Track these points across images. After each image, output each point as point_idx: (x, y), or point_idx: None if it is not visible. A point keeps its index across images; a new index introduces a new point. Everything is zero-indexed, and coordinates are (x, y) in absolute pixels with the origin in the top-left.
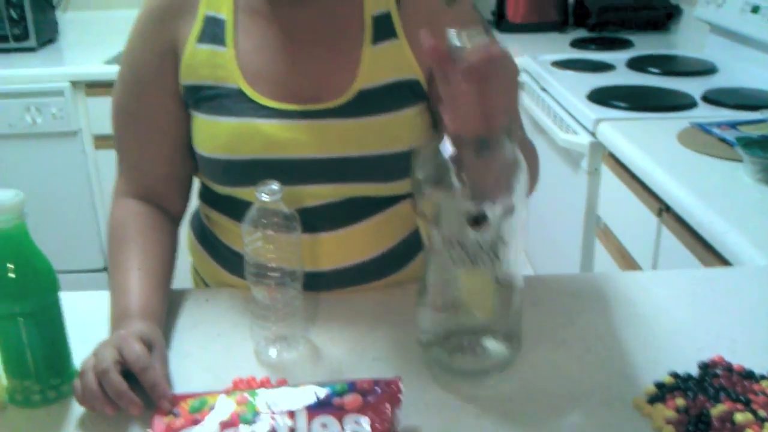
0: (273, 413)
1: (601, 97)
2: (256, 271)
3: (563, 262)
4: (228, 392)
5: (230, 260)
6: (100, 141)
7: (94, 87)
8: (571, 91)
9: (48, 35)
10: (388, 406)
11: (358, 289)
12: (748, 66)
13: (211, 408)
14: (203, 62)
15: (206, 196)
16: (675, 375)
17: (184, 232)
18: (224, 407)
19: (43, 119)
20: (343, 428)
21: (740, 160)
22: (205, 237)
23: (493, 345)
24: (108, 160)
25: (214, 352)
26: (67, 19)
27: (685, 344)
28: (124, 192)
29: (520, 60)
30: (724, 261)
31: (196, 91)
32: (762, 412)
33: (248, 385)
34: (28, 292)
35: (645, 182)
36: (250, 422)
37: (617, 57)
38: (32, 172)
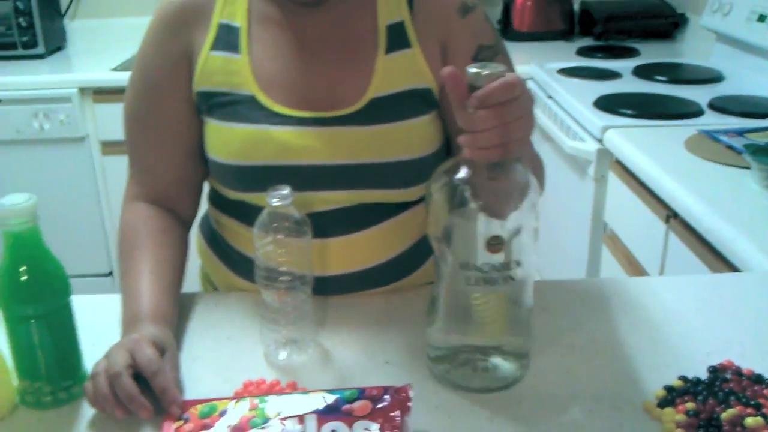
0: (283, 419)
1: (607, 104)
2: (267, 275)
3: (570, 268)
4: (238, 397)
5: (240, 264)
6: (107, 147)
7: (102, 94)
8: (577, 98)
9: (56, 43)
10: (397, 412)
11: (366, 294)
12: (755, 75)
13: (221, 413)
14: (217, 69)
15: (216, 200)
16: (684, 379)
17: (193, 236)
18: (234, 412)
19: (50, 125)
20: None
21: (748, 168)
22: (215, 241)
23: (503, 363)
24: (115, 166)
25: (224, 355)
26: (75, 26)
27: (694, 348)
28: (135, 196)
29: (527, 68)
30: (732, 267)
31: (209, 97)
32: None
33: (258, 388)
34: (40, 294)
35: (652, 189)
36: (259, 427)
37: (623, 65)
38: (39, 178)
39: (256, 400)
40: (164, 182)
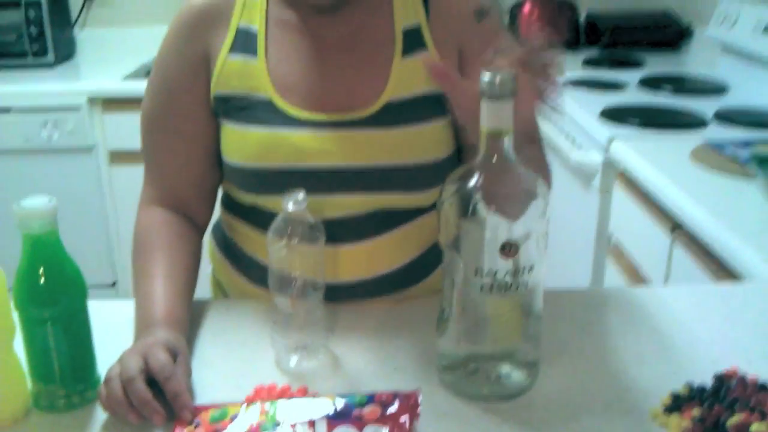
0: (293, 424)
1: (613, 115)
2: (279, 280)
3: (574, 279)
4: (249, 402)
5: (252, 270)
6: (116, 157)
7: (111, 103)
8: (583, 109)
9: (66, 52)
10: (406, 418)
11: (377, 302)
12: (761, 86)
13: (232, 418)
14: (235, 73)
15: (230, 205)
16: (691, 386)
17: (205, 242)
18: (245, 417)
19: (59, 135)
20: None
21: (753, 178)
22: (227, 247)
23: (513, 372)
24: (123, 176)
25: (235, 362)
26: (84, 36)
27: (700, 356)
28: (151, 200)
29: None
30: (737, 279)
31: (226, 101)
32: None
33: (269, 393)
34: (57, 297)
35: (657, 200)
36: (270, 431)
37: (629, 76)
38: (47, 187)
39: (267, 405)
40: (180, 186)
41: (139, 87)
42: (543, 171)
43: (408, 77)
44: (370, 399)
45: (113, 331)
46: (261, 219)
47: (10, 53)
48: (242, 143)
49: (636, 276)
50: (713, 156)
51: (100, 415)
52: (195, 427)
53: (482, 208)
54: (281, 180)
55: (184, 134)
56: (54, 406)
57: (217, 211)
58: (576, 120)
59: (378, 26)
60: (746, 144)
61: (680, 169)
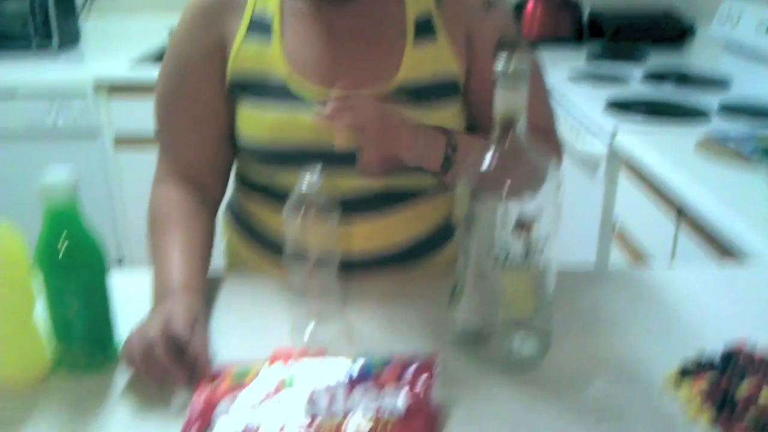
0: (314, 383)
1: (617, 108)
2: (295, 255)
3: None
4: (271, 361)
5: (267, 244)
6: (121, 143)
7: (116, 89)
8: (587, 103)
9: (71, 39)
10: (424, 380)
11: (388, 276)
12: (763, 83)
13: (255, 375)
14: (250, 56)
15: (244, 183)
16: (700, 357)
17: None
18: (267, 374)
19: (64, 120)
20: (380, 398)
21: (757, 170)
22: (242, 225)
23: (525, 341)
24: (128, 161)
25: (250, 334)
26: (90, 24)
27: (708, 334)
28: (167, 174)
29: None
30: (742, 262)
31: (242, 83)
32: None
33: (288, 354)
34: (78, 266)
35: (662, 187)
36: (292, 388)
37: (633, 70)
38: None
39: (289, 363)
40: (194, 162)
41: (145, 73)
42: (553, 153)
43: (419, 63)
44: (389, 361)
45: (134, 300)
46: (275, 197)
47: (15, 39)
48: (257, 124)
49: (641, 260)
50: (717, 147)
51: (121, 379)
52: (218, 384)
53: (493, 188)
54: (295, 160)
55: (197, 116)
56: (76, 365)
57: (230, 189)
58: (580, 113)
59: (389, 13)
60: (750, 137)
61: (684, 160)
